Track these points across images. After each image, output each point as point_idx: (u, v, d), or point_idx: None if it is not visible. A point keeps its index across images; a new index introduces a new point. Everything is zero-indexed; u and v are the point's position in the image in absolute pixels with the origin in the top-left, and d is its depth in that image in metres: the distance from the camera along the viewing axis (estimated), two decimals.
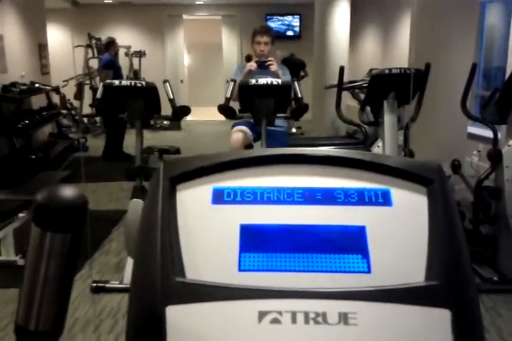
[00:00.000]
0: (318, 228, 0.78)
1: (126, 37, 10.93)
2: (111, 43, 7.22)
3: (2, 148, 5.20)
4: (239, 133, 3.49)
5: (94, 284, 2.97)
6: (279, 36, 9.17)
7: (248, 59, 8.74)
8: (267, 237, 0.77)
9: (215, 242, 0.77)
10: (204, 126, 10.59)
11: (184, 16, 11.81)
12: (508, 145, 3.15)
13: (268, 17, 11.47)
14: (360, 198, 0.81)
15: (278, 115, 3.09)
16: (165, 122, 9.30)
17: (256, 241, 0.77)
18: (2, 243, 3.36)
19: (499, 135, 3.37)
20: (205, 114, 10.51)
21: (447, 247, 0.74)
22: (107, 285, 3.00)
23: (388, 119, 3.12)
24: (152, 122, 8.21)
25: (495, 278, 3.06)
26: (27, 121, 5.47)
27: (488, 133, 3.84)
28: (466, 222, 3.49)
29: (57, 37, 10.23)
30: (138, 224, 0.83)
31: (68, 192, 0.73)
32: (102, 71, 7.15)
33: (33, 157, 5.40)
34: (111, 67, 6.87)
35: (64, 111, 7.43)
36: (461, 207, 3.54)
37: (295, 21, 11.59)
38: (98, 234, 3.92)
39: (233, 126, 3.62)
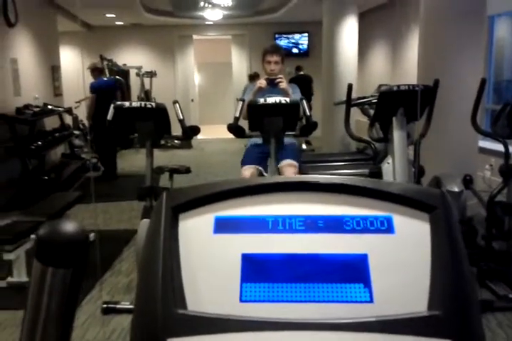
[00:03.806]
0: (320, 257, 0.77)
1: (137, 58, 11.12)
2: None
3: (15, 169, 5.27)
4: (249, 170, 3.50)
5: (105, 305, 2.97)
6: (287, 54, 9.24)
7: (251, 78, 8.76)
8: (268, 266, 0.77)
9: (217, 272, 0.77)
10: (215, 144, 10.65)
11: (194, 36, 11.98)
12: None
13: (277, 35, 11.58)
14: (362, 225, 0.80)
15: (287, 133, 3.10)
16: (176, 141, 9.37)
17: (257, 270, 0.76)
18: (14, 264, 3.37)
19: (510, 149, 3.34)
20: (216, 132, 10.58)
21: (450, 276, 0.73)
22: (118, 306, 2.98)
23: (397, 136, 3.10)
24: (163, 141, 8.31)
25: (510, 296, 3.00)
26: (40, 143, 5.55)
27: (500, 147, 3.80)
28: (478, 238, 3.44)
29: (70, 59, 10.40)
30: None
31: (69, 226, 0.72)
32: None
33: (46, 178, 5.45)
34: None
35: (76, 132, 7.51)
36: (474, 223, 3.49)
37: (303, 39, 11.69)
38: (109, 254, 3.92)
39: (242, 164, 3.61)
